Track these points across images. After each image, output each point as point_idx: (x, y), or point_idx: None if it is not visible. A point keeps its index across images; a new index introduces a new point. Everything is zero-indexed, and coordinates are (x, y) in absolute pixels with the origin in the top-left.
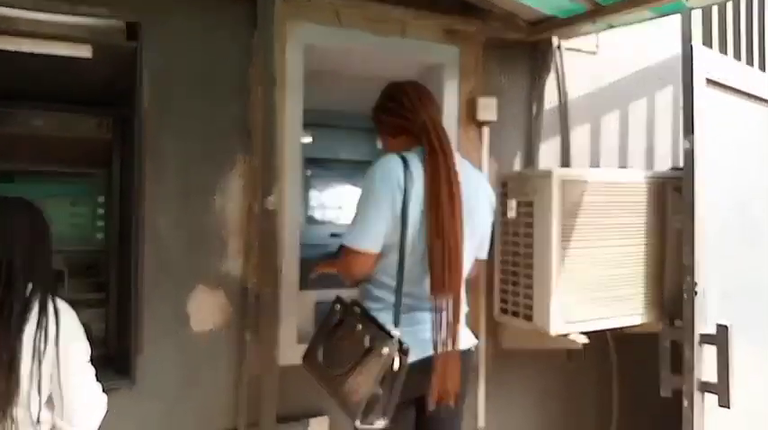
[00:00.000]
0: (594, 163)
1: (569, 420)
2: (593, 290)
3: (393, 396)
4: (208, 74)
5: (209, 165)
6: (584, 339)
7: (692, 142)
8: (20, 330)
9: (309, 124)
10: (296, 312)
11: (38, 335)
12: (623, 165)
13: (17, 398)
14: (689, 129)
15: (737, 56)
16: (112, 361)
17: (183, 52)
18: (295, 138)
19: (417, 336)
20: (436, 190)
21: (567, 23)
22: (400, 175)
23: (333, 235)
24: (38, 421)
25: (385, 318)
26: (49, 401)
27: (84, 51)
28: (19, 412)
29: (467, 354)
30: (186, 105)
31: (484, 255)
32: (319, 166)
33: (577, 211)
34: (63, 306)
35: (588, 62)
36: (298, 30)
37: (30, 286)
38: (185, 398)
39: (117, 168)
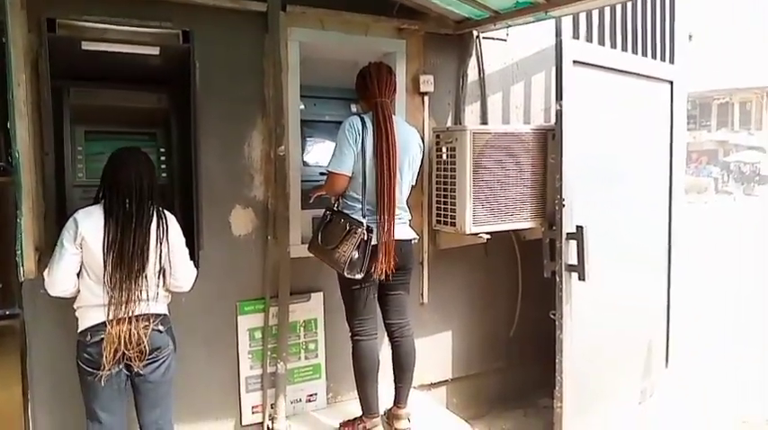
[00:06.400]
0: (505, 120)
1: (487, 297)
2: (495, 204)
3: (365, 258)
4: (236, 63)
5: (240, 125)
6: (487, 236)
7: (561, 105)
8: (149, 229)
9: (303, 95)
10: (299, 223)
11: (158, 231)
12: (527, 121)
13: (148, 266)
14: (559, 95)
15: (602, 42)
16: None
17: (220, 50)
18: (295, 106)
19: (375, 228)
20: (379, 147)
21: (480, 23)
22: (360, 127)
23: (321, 173)
24: (158, 279)
25: (356, 216)
26: (162, 273)
27: (154, 50)
28: (148, 274)
29: (408, 243)
30: (222, 85)
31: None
32: (310, 126)
33: (484, 152)
34: (168, 213)
35: (500, 47)
36: (295, 32)
37: (149, 202)
38: (231, 277)
39: (174, 129)
